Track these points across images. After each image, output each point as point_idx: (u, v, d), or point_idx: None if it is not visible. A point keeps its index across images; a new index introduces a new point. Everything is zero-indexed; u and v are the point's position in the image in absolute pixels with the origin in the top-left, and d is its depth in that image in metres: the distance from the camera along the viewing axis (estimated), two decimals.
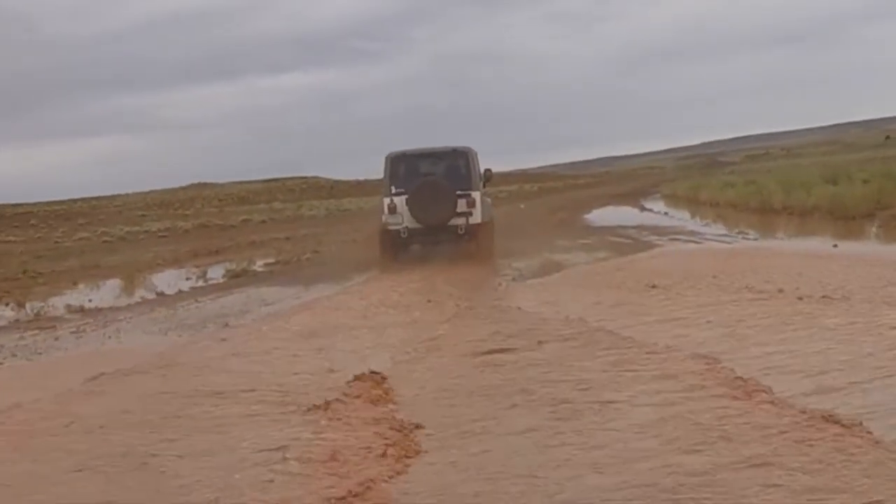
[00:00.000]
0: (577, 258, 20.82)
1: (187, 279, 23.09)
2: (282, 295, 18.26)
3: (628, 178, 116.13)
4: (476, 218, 20.40)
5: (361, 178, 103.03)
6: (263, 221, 65.96)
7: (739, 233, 26.15)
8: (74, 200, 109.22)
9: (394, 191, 20.72)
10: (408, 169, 21.06)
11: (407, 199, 20.36)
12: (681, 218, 35.81)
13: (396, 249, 21.09)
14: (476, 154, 21.54)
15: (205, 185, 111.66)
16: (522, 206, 52.98)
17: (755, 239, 24.56)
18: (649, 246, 22.70)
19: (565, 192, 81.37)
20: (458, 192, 20.30)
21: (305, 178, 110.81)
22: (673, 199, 53.34)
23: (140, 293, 20.75)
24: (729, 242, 23.14)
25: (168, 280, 23.12)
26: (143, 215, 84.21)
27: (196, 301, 18.36)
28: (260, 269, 24.72)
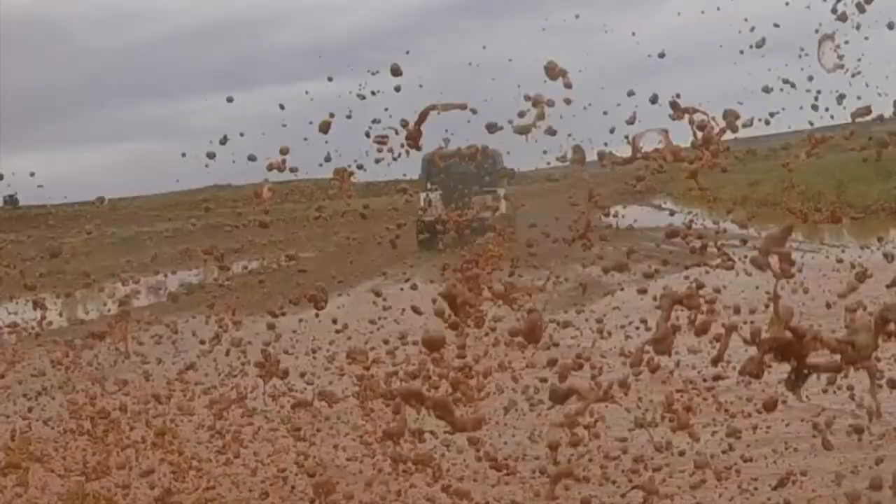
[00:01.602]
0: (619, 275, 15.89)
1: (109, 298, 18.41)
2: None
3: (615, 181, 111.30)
4: (502, 211, 20.40)
5: (371, 180, 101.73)
6: (268, 223, 63.24)
7: (822, 243, 20.66)
8: (91, 203, 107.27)
9: (429, 187, 22.28)
10: (441, 167, 18.98)
11: (441, 194, 21.74)
12: (711, 217, 31.13)
13: (430, 239, 21.26)
14: (501, 155, 21.46)
15: (220, 187, 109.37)
16: (525, 205, 48.31)
17: (844, 247, 18.18)
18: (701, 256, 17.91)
19: (566, 192, 76.66)
20: (486, 189, 21.64)
21: (317, 180, 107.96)
22: (687, 198, 48.71)
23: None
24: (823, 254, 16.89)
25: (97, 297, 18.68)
26: (158, 216, 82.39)
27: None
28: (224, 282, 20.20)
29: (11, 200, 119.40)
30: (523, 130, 3.98)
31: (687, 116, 3.60)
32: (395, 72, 5.19)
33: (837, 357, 2.62)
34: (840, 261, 12.80)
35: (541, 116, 3.73)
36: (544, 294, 10.95)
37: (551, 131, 4.14)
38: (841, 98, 8.15)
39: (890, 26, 8.05)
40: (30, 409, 8.89)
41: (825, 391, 5.21)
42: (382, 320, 9.99)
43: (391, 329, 9.07)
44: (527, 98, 3.78)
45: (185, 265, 29.01)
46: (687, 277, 7.79)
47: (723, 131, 3.80)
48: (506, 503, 6.90)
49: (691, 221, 9.46)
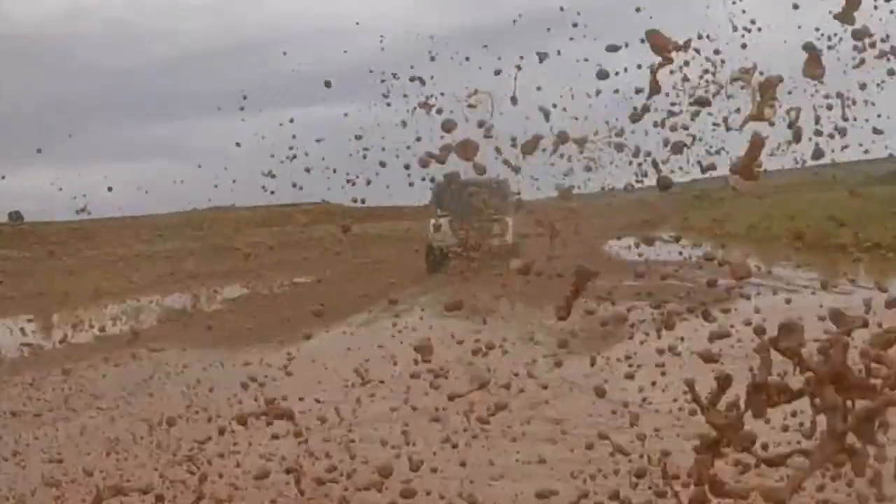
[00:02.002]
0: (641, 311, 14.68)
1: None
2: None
3: (620, 212, 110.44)
4: (509, 238, 21.65)
5: (373, 204, 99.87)
6: (271, 248, 61.97)
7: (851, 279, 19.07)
8: (102, 219, 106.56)
9: (439, 213, 22.27)
10: (452, 194, 21.97)
11: (451, 221, 21.67)
12: (712, 248, 30.04)
13: (438, 264, 21.71)
14: (509, 184, 21.30)
15: (224, 208, 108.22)
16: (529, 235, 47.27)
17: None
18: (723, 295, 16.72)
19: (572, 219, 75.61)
20: (494, 217, 21.23)
21: (318, 203, 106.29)
22: (689, 231, 47.65)
23: None
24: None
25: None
26: (161, 235, 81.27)
27: None
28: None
29: (17, 216, 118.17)
30: (528, 149, 3.90)
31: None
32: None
33: None
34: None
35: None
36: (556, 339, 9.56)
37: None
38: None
39: None
40: None
41: None
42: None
43: None
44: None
45: (175, 288, 28.03)
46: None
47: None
48: None
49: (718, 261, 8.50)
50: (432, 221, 22.79)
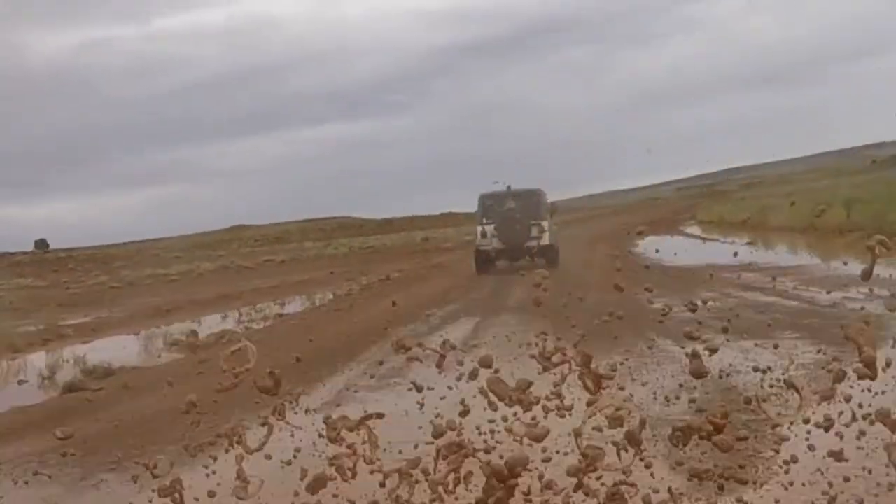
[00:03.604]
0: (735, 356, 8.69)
1: None
2: None
3: (639, 209, 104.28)
4: (545, 241, 22.97)
5: (389, 216, 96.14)
6: (283, 261, 57.57)
7: None
8: (125, 244, 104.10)
9: (484, 221, 23.51)
10: (495, 204, 23.88)
11: (495, 227, 23.10)
12: (770, 249, 23.80)
13: (486, 265, 23.40)
14: (545, 193, 24.72)
15: (244, 227, 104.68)
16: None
17: None
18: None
19: (588, 221, 69.46)
20: (532, 222, 23.01)
21: (336, 218, 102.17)
22: (717, 226, 41.48)
23: None
24: None
25: None
26: (178, 257, 77.83)
27: None
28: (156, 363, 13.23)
29: (42, 244, 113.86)
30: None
31: None
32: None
33: None
34: None
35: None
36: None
37: None
38: None
39: None
40: None
41: None
42: None
43: None
44: None
45: (165, 320, 22.79)
46: None
47: None
48: None
49: None
50: (479, 228, 23.97)
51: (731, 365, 7.83)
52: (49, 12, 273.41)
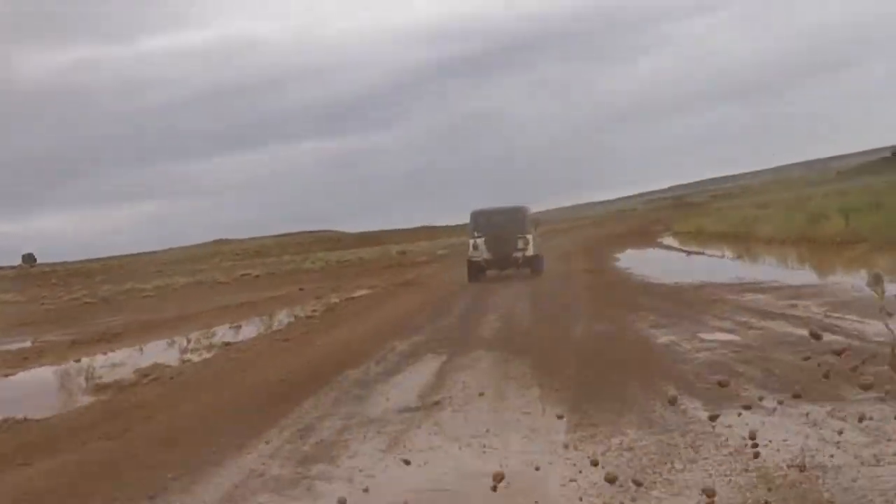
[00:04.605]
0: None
1: None
2: None
3: (612, 221, 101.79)
4: (530, 251, 24.55)
5: (367, 229, 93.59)
6: (258, 276, 54.70)
7: None
8: (111, 258, 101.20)
9: (476, 235, 25.07)
10: (485, 219, 25.53)
11: (485, 240, 24.70)
12: (767, 264, 21.04)
13: (478, 273, 24.72)
14: (529, 209, 26.59)
15: (225, 241, 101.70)
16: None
17: None
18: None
19: (567, 232, 66.71)
20: (518, 235, 24.58)
21: (315, 232, 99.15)
22: (696, 237, 38.82)
23: None
24: None
25: None
26: (160, 271, 75.09)
27: None
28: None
29: (30, 258, 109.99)
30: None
31: None
32: None
33: None
34: None
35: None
36: None
37: None
38: None
39: None
40: None
41: None
42: None
43: None
44: None
45: (109, 346, 20.03)
46: None
47: None
48: None
49: None
50: (471, 241, 25.25)
51: (805, 451, 5.08)
52: (39, 33, 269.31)
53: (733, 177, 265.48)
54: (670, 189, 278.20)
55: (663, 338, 10.11)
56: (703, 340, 9.57)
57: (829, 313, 10.62)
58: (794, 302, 11.93)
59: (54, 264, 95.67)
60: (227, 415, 8.60)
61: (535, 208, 29.26)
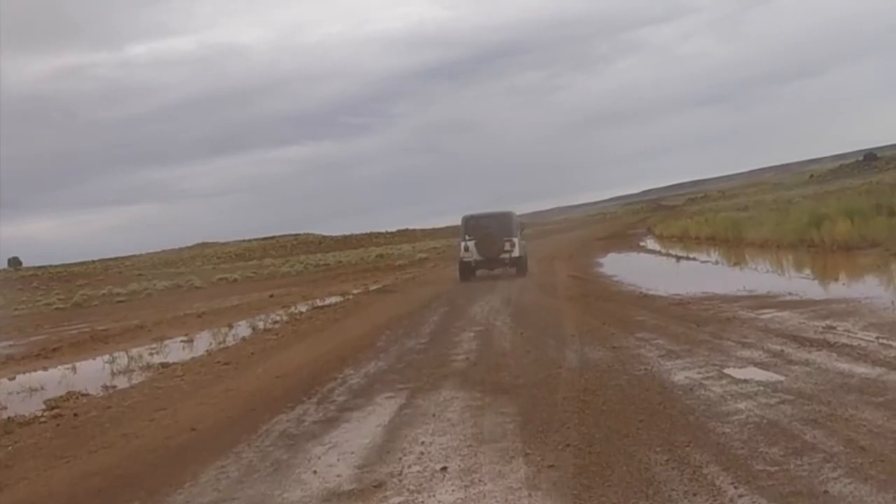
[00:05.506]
0: None
1: None
2: None
3: (592, 224, 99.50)
4: (516, 253, 25.54)
5: (348, 232, 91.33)
6: (235, 280, 52.24)
7: None
8: (93, 262, 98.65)
9: (466, 238, 26.03)
10: (475, 224, 26.42)
11: (475, 242, 25.74)
12: (771, 272, 18.57)
13: (468, 273, 25.89)
14: (516, 213, 27.96)
15: (207, 244, 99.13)
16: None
17: None
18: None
19: (546, 236, 64.32)
20: (505, 238, 25.53)
21: (297, 235, 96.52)
22: (681, 241, 36.46)
23: None
24: None
25: None
26: (140, 274, 72.70)
27: None
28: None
29: (15, 262, 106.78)
30: None
31: None
32: None
33: None
34: None
35: None
36: None
37: None
38: None
39: None
40: None
41: None
42: None
43: None
44: None
45: (42, 363, 17.58)
46: None
47: None
48: None
49: None
50: (462, 244, 26.10)
51: None
52: (25, 40, 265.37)
53: (708, 180, 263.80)
54: (645, 192, 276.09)
55: (680, 374, 7.66)
56: (734, 380, 7.10)
57: (880, 339, 8.19)
58: (829, 323, 9.48)
59: (39, 268, 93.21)
60: (107, 484, 6.09)
61: (514, 212, 27.64)
